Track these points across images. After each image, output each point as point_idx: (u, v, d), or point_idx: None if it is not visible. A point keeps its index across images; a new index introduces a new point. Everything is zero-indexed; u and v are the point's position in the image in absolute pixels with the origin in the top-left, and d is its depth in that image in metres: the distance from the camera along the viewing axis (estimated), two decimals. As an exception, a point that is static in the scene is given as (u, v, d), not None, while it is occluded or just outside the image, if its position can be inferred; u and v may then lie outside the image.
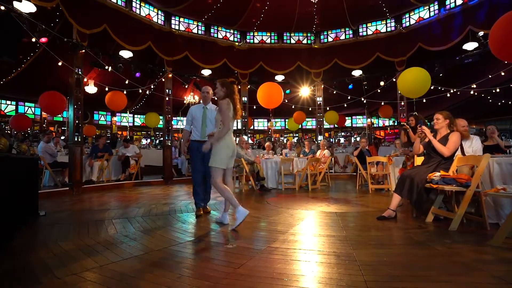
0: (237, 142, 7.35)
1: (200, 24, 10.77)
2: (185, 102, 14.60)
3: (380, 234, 3.05)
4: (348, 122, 19.98)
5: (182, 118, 17.21)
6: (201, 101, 4.27)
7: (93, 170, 7.89)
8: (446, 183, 3.14)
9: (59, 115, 15.06)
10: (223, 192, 3.36)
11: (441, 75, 9.53)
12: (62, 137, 11.73)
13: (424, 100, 9.80)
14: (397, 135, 13.87)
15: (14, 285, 1.95)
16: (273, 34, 11.66)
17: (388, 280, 1.93)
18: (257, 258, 2.36)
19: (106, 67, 8.44)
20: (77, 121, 6.94)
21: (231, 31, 11.34)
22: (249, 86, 11.05)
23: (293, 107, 12.93)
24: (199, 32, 10.76)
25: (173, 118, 11.35)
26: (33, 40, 6.45)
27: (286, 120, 19.04)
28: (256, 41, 11.56)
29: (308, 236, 3.00)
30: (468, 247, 2.56)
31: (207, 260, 2.37)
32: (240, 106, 3.47)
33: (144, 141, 16.40)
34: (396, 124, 15.43)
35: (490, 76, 9.13)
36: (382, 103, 12.37)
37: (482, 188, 3.12)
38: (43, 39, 6.87)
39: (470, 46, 8.75)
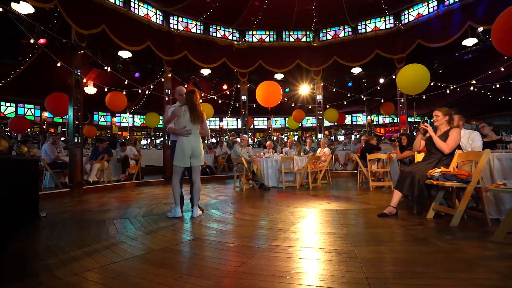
0: (239, 141, 7.37)
1: (199, 23, 10.76)
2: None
3: (381, 231, 3.05)
4: (348, 120, 19.95)
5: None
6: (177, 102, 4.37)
7: (91, 171, 7.89)
8: (446, 179, 3.13)
9: (61, 117, 15.09)
10: (173, 189, 3.92)
11: (440, 71, 9.52)
12: (62, 138, 11.72)
13: (424, 97, 9.79)
14: (397, 132, 13.86)
15: (16, 286, 1.95)
16: (272, 33, 11.65)
17: (389, 277, 1.93)
18: (258, 256, 2.36)
19: (105, 68, 8.44)
20: (77, 122, 6.94)
21: (230, 30, 11.33)
22: (248, 85, 11.04)
23: (292, 105, 12.93)
24: (198, 31, 10.75)
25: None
26: (32, 41, 6.44)
27: (286, 118, 19.02)
28: (255, 39, 11.55)
29: (309, 234, 3.00)
30: (469, 243, 2.56)
31: (208, 259, 2.37)
32: (197, 113, 3.87)
33: (144, 141, 16.40)
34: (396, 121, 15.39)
35: (490, 72, 9.11)
36: (382, 100, 12.37)
37: (482, 184, 3.12)
38: (42, 40, 6.85)
39: (469, 42, 8.73)
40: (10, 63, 8.64)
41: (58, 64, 6.94)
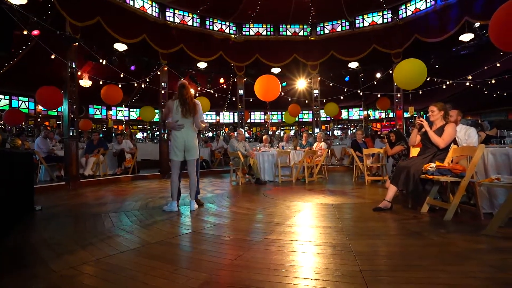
0: (236, 135, 7.36)
1: (195, 16, 10.64)
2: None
3: (375, 225, 3.08)
4: (344, 115, 19.98)
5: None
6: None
7: (87, 164, 7.84)
8: (441, 173, 3.16)
9: (54, 110, 14.93)
10: (171, 183, 3.94)
11: (437, 66, 9.54)
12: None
13: (420, 92, 9.82)
14: (393, 127, 13.91)
15: (11, 279, 1.94)
16: (269, 26, 11.56)
17: (383, 270, 1.95)
18: (254, 249, 2.37)
19: (101, 60, 8.34)
20: (72, 115, 6.88)
21: (227, 23, 11.23)
22: (245, 79, 10.99)
23: (289, 99, 12.91)
24: (195, 24, 10.64)
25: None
26: (25, 33, 6.33)
27: (283, 113, 18.98)
28: (252, 33, 11.46)
29: (305, 228, 3.02)
30: (462, 237, 2.59)
31: (203, 252, 2.38)
32: (188, 107, 3.89)
33: (140, 135, 16.32)
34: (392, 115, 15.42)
35: (486, 68, 9.14)
36: (379, 95, 12.38)
37: (476, 179, 3.15)
38: (35, 32, 6.74)
39: (466, 37, 8.73)
40: (2, 55, 8.49)
41: (52, 57, 6.85)
